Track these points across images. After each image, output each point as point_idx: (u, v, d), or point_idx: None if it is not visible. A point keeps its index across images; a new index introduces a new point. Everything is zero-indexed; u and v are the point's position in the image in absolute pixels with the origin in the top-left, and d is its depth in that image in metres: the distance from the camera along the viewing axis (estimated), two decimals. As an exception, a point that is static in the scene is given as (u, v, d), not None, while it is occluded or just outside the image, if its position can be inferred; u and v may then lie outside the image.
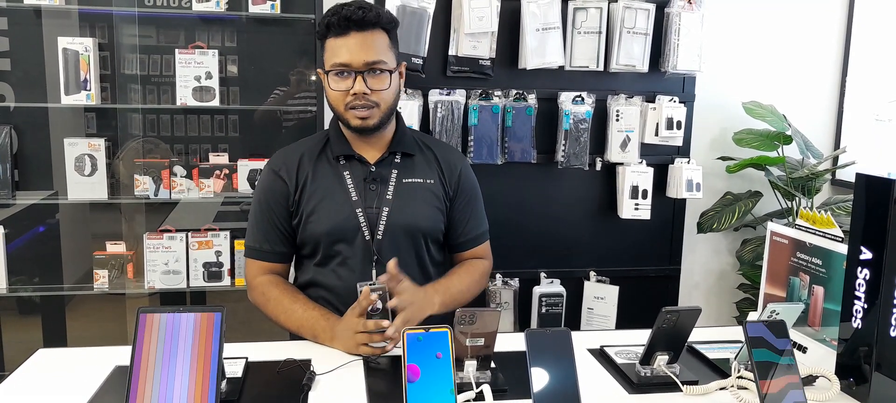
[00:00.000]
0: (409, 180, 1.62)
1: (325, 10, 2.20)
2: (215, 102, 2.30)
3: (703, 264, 2.92)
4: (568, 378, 1.10)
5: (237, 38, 2.49)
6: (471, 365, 1.26)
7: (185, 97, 2.28)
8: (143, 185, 2.32)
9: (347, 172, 1.60)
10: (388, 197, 1.59)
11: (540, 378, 1.09)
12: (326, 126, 2.22)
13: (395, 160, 1.63)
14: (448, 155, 1.71)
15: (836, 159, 2.71)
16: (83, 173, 2.30)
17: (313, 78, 2.44)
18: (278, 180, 1.60)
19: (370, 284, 1.49)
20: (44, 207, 2.41)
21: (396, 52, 1.59)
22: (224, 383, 1.19)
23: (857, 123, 2.79)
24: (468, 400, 1.19)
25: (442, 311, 1.54)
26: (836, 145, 2.86)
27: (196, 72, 2.28)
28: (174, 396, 1.00)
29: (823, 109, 2.89)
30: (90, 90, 2.24)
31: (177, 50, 2.28)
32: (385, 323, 1.40)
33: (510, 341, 1.41)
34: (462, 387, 1.20)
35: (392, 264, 1.44)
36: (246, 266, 1.66)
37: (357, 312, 1.43)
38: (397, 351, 1.42)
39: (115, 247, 2.37)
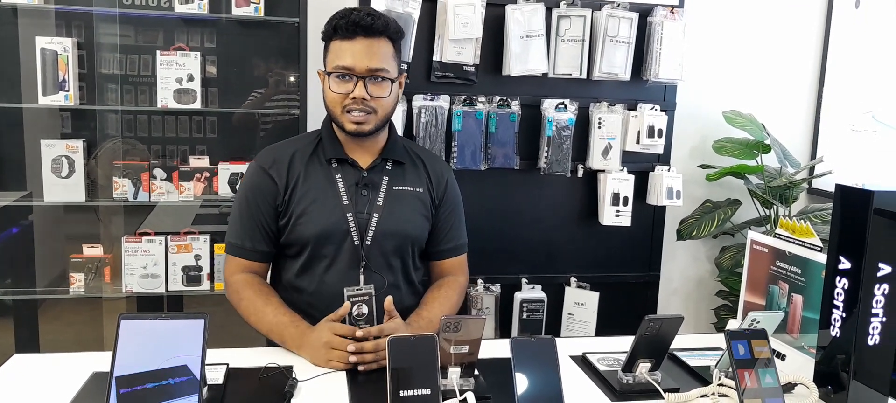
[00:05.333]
0: (400, 188, 1.62)
1: (309, 14, 2.24)
2: (197, 105, 2.28)
3: (682, 271, 2.95)
4: (552, 385, 1.10)
5: (217, 39, 2.46)
6: (454, 372, 1.25)
7: (166, 99, 2.25)
8: (122, 188, 2.28)
9: (339, 175, 1.59)
10: (378, 203, 1.59)
11: (524, 385, 1.09)
12: (309, 128, 2.23)
13: (387, 167, 1.63)
14: (436, 165, 1.72)
15: (812, 169, 2.76)
16: (60, 175, 2.26)
17: (292, 80, 2.42)
18: (267, 178, 1.58)
19: (357, 289, 1.48)
20: (17, 209, 2.36)
21: (398, 63, 1.60)
22: (205, 389, 1.18)
23: (834, 133, 2.84)
24: (452, 408, 1.19)
25: None
26: (813, 155, 2.90)
27: (178, 74, 2.25)
28: (154, 404, 0.99)
29: (801, 119, 2.94)
30: (68, 90, 2.20)
31: (158, 51, 2.25)
32: (373, 330, 1.39)
33: (493, 347, 1.41)
34: (445, 395, 1.19)
35: (388, 302, 1.44)
36: (225, 261, 1.64)
37: (331, 320, 1.41)
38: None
39: (92, 250, 2.33)
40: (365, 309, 1.42)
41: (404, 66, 2.30)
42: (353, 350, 1.36)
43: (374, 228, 1.57)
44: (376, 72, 1.52)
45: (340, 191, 1.57)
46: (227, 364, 1.33)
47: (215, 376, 1.28)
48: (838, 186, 1.28)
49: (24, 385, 1.28)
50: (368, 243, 1.56)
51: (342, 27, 1.52)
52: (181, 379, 0.99)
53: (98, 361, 1.34)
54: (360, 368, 1.37)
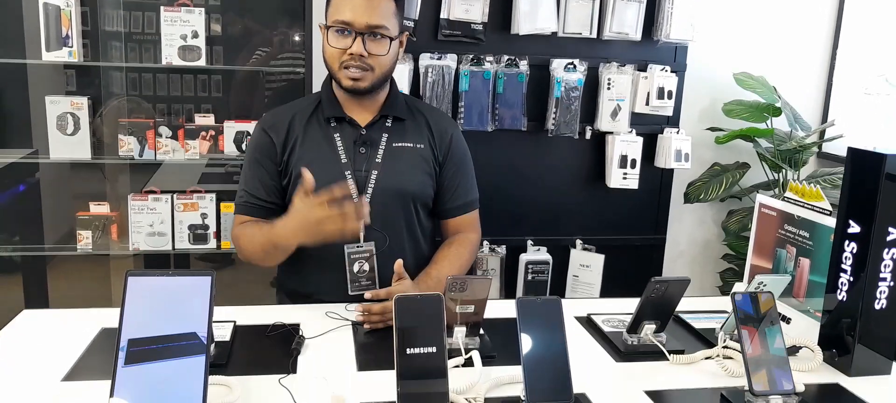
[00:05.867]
0: (400, 144, 1.61)
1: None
2: (201, 62, 2.25)
3: (688, 234, 2.94)
4: (557, 346, 1.10)
5: (221, -5, 2.43)
6: (460, 332, 1.26)
7: (170, 56, 2.23)
8: (128, 146, 2.28)
9: (338, 134, 1.59)
10: (377, 160, 1.58)
11: (530, 345, 1.09)
12: (315, 88, 2.21)
13: (386, 124, 1.62)
14: (439, 121, 1.70)
15: (823, 132, 2.73)
16: (65, 132, 2.25)
17: (297, 39, 2.39)
18: (267, 138, 1.60)
19: (357, 246, 1.48)
20: (24, 166, 2.36)
21: (400, 21, 1.58)
22: (212, 346, 1.19)
23: (846, 97, 2.80)
24: (457, 366, 1.20)
25: None
26: (824, 118, 2.87)
27: (182, 31, 2.22)
28: (162, 361, 1.00)
29: (813, 82, 2.89)
30: (72, 46, 2.18)
31: (162, 7, 2.22)
32: (382, 292, 1.39)
33: (498, 308, 1.41)
34: (451, 353, 1.20)
35: (398, 264, 1.44)
36: (233, 222, 1.65)
37: (303, 199, 1.38)
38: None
39: (99, 208, 2.34)
40: (366, 267, 1.42)
41: (410, 25, 2.28)
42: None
43: (372, 186, 1.57)
44: (375, 29, 1.50)
45: (339, 150, 1.57)
46: (235, 322, 1.35)
47: (222, 333, 1.29)
48: (850, 150, 1.27)
49: (35, 340, 1.29)
50: (368, 201, 1.56)
51: None
52: (190, 343, 1.00)
53: (107, 317, 1.35)
54: (366, 326, 1.38)
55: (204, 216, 2.35)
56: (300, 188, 1.39)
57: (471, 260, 1.69)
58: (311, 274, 1.59)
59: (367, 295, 1.39)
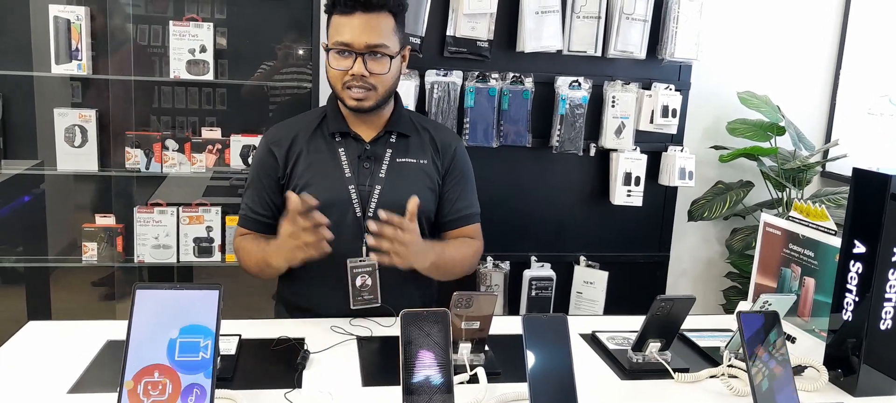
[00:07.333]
0: (403, 160, 1.62)
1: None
2: (209, 76, 2.27)
3: (691, 252, 2.94)
4: (563, 363, 1.10)
5: (227, 10, 2.45)
6: (465, 348, 1.26)
7: (178, 70, 2.25)
8: (135, 158, 2.29)
9: (342, 149, 1.60)
10: (381, 175, 1.59)
11: (535, 362, 1.09)
12: (322, 102, 2.22)
13: (391, 139, 1.63)
14: (443, 135, 1.71)
15: (827, 152, 2.73)
16: (73, 144, 2.26)
17: (301, 53, 2.41)
18: (270, 155, 1.62)
19: (360, 261, 1.48)
20: (29, 177, 2.37)
21: (401, 36, 1.58)
22: (218, 360, 1.19)
23: (850, 116, 2.81)
24: (462, 382, 1.20)
25: (430, 273, 1.54)
26: (828, 137, 2.88)
27: (190, 45, 2.24)
28: (170, 373, 1.00)
29: (817, 101, 2.90)
30: (82, 59, 2.20)
31: (171, 22, 2.24)
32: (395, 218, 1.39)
33: (502, 324, 1.41)
34: (456, 369, 1.20)
35: (412, 202, 1.42)
36: (235, 233, 1.67)
37: (288, 219, 1.41)
38: (389, 331, 1.43)
39: (105, 220, 2.35)
40: (369, 281, 1.42)
41: (416, 41, 2.29)
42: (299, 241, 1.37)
43: (376, 200, 1.58)
44: (375, 49, 1.51)
45: (343, 164, 1.58)
46: (240, 336, 1.35)
47: (228, 347, 1.29)
48: (855, 170, 1.27)
49: (40, 352, 1.29)
50: (371, 215, 1.57)
51: (341, 2, 1.50)
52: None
53: (112, 329, 1.36)
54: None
55: (209, 229, 2.36)
56: (290, 214, 1.41)
57: (473, 260, 1.68)
58: (311, 287, 1.60)
59: (382, 215, 1.38)
